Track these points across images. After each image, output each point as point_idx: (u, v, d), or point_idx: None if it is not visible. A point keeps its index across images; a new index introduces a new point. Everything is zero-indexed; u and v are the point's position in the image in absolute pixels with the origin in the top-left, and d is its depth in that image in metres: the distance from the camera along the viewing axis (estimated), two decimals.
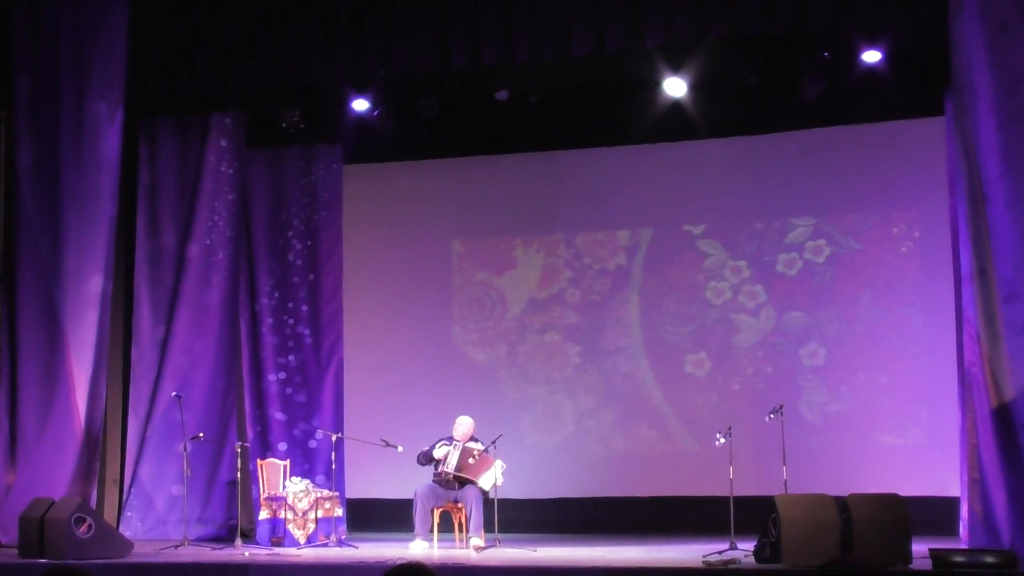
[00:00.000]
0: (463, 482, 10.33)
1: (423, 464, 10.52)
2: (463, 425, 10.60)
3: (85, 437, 10.77)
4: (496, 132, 12.45)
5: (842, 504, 8.67)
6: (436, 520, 10.35)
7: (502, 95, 11.63)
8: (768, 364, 11.99)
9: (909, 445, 11.49)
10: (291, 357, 11.90)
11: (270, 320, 11.93)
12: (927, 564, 8.25)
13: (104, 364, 10.97)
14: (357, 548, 10.09)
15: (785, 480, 9.74)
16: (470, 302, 12.85)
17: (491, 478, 10.22)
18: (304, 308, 11.97)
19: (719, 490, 10.05)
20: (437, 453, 10.41)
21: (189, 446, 10.64)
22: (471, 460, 10.30)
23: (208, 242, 11.55)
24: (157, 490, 11.32)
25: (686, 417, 12.11)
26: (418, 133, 12.24)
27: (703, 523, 10.91)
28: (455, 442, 10.49)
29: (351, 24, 10.75)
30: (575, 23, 10.25)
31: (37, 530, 9.47)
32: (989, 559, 8.11)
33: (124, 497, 11.42)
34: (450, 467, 10.31)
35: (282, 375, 11.88)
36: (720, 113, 11.76)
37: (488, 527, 10.20)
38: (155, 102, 11.61)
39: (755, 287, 12.11)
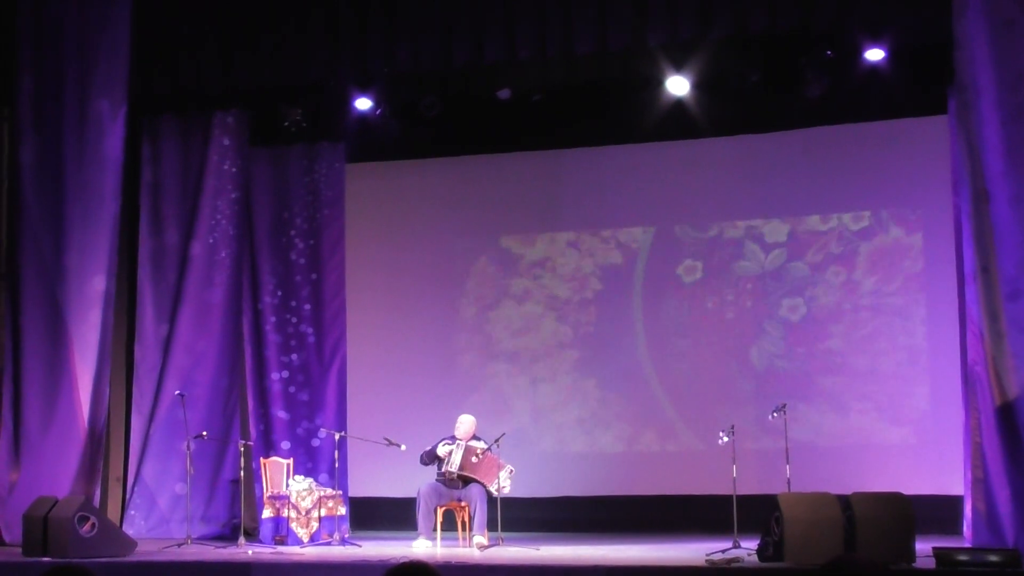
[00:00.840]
0: (467, 481, 10.33)
1: (426, 464, 10.52)
2: (465, 424, 10.59)
3: (88, 436, 10.78)
4: (499, 131, 12.44)
5: (845, 502, 8.67)
6: (439, 519, 10.35)
7: (504, 94, 11.62)
8: (771, 362, 11.98)
9: (912, 444, 11.49)
10: (294, 356, 11.90)
11: (273, 319, 11.93)
12: (931, 563, 8.24)
13: (107, 362, 10.97)
14: (360, 547, 10.09)
15: (788, 479, 9.74)
16: (473, 300, 12.84)
17: (497, 482, 10.20)
18: (307, 307, 11.97)
19: (722, 489, 10.04)
20: (440, 452, 10.40)
21: (192, 444, 10.65)
22: (474, 459, 10.30)
23: (211, 240, 11.55)
24: (160, 489, 11.33)
25: (689, 416, 12.10)
26: (421, 132, 12.23)
27: (706, 522, 10.90)
28: (458, 441, 10.48)
29: (354, 22, 10.75)
30: (578, 21, 10.25)
31: (41, 529, 9.48)
32: (993, 558, 8.10)
33: (127, 496, 11.42)
34: (453, 466, 10.30)
35: (285, 374, 11.88)
36: (723, 111, 11.75)
37: (491, 526, 10.19)
38: (158, 101, 11.62)
39: (758, 286, 12.10)
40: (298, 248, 12.02)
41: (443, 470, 10.38)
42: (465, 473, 10.28)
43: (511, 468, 10.28)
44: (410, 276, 12.94)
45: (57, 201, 10.99)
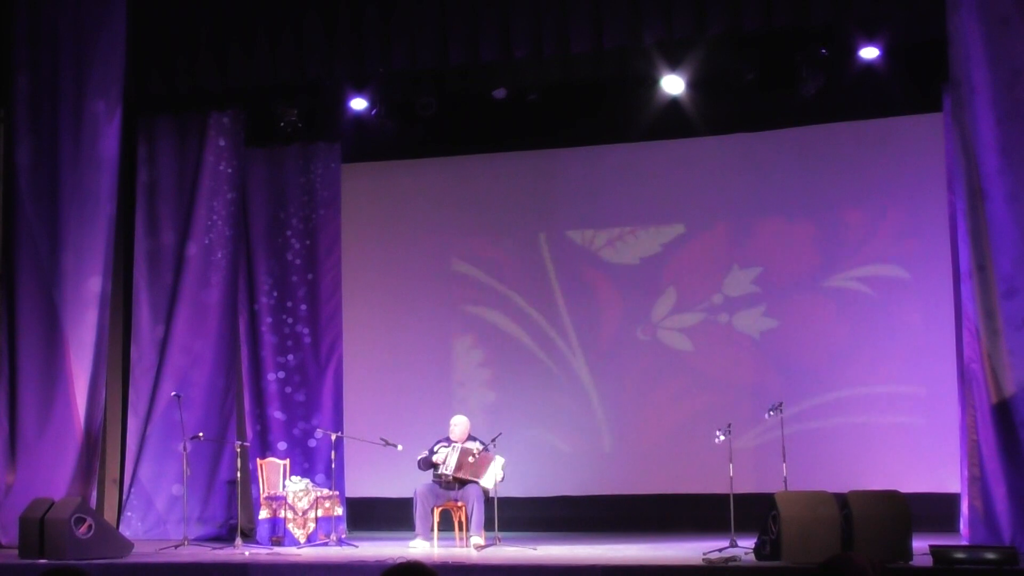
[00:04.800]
0: (463, 482, 10.31)
1: (424, 470, 10.50)
2: (459, 426, 10.57)
3: (85, 437, 10.77)
4: (494, 130, 12.45)
5: (842, 501, 8.66)
6: (436, 519, 10.34)
7: (500, 93, 11.63)
8: (768, 361, 11.98)
9: (909, 441, 11.48)
10: (290, 356, 11.90)
11: (269, 319, 11.92)
12: (928, 561, 8.24)
13: (104, 363, 10.96)
14: (357, 547, 10.09)
15: (785, 477, 9.74)
16: (469, 300, 12.84)
17: (492, 476, 10.21)
18: (303, 307, 11.96)
19: (719, 487, 10.05)
20: (436, 457, 10.37)
21: (189, 445, 10.65)
22: (471, 459, 10.29)
23: (207, 241, 11.55)
24: (157, 490, 11.32)
25: (686, 414, 12.09)
26: (417, 131, 12.23)
27: (703, 520, 10.91)
28: (453, 443, 10.46)
29: (350, 22, 10.75)
30: (574, 20, 10.26)
31: (37, 530, 9.47)
32: (990, 555, 8.10)
33: (124, 497, 11.41)
34: (449, 469, 10.27)
35: (281, 374, 11.87)
36: (718, 110, 11.77)
37: (488, 525, 10.19)
38: (154, 101, 11.62)
39: (754, 284, 12.10)
40: (294, 248, 12.01)
41: (439, 473, 10.35)
42: (462, 475, 10.27)
43: (502, 459, 10.27)
44: (406, 276, 12.93)
45: (53, 202, 10.98)
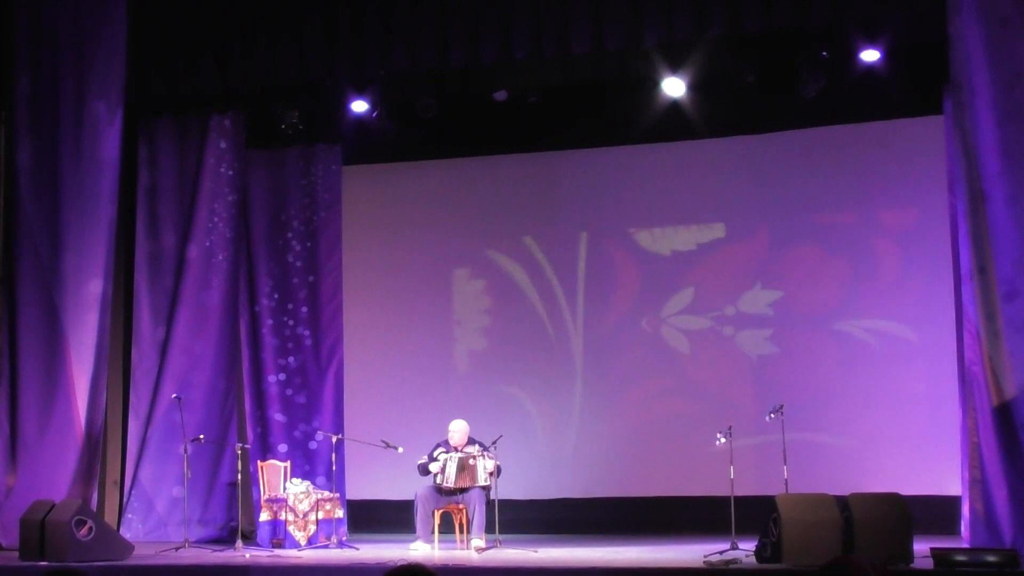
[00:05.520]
0: (464, 489, 10.29)
1: (423, 475, 10.47)
2: (458, 432, 10.51)
3: (85, 439, 10.77)
4: (495, 132, 12.45)
5: (843, 503, 8.66)
6: (437, 521, 10.34)
7: (501, 95, 11.63)
8: (768, 363, 11.97)
9: (910, 444, 11.47)
10: (291, 358, 11.89)
11: (270, 321, 11.91)
12: (928, 563, 8.24)
13: (104, 366, 10.97)
14: (358, 549, 10.09)
15: (786, 480, 9.73)
16: (470, 302, 12.84)
17: (483, 471, 10.15)
18: (304, 309, 11.96)
19: (720, 490, 10.04)
20: (433, 467, 10.33)
21: (189, 448, 10.64)
22: (471, 462, 10.26)
23: (208, 243, 11.55)
24: (158, 492, 11.32)
25: (686, 416, 12.09)
26: (417, 133, 12.23)
27: (704, 523, 10.91)
28: (451, 450, 10.39)
29: (350, 24, 10.75)
30: (574, 22, 10.26)
31: (38, 532, 9.47)
32: (991, 558, 8.11)
33: (125, 499, 11.41)
34: (449, 482, 10.22)
35: (282, 376, 11.87)
36: (719, 112, 11.76)
37: (489, 528, 10.18)
38: (155, 103, 11.62)
39: (755, 286, 12.10)
40: (295, 250, 12.01)
41: (439, 484, 10.31)
42: (462, 484, 10.24)
43: (497, 463, 10.24)
44: (407, 278, 12.93)
45: (54, 204, 10.99)
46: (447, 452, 10.40)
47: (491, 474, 10.21)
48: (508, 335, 12.71)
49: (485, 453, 10.26)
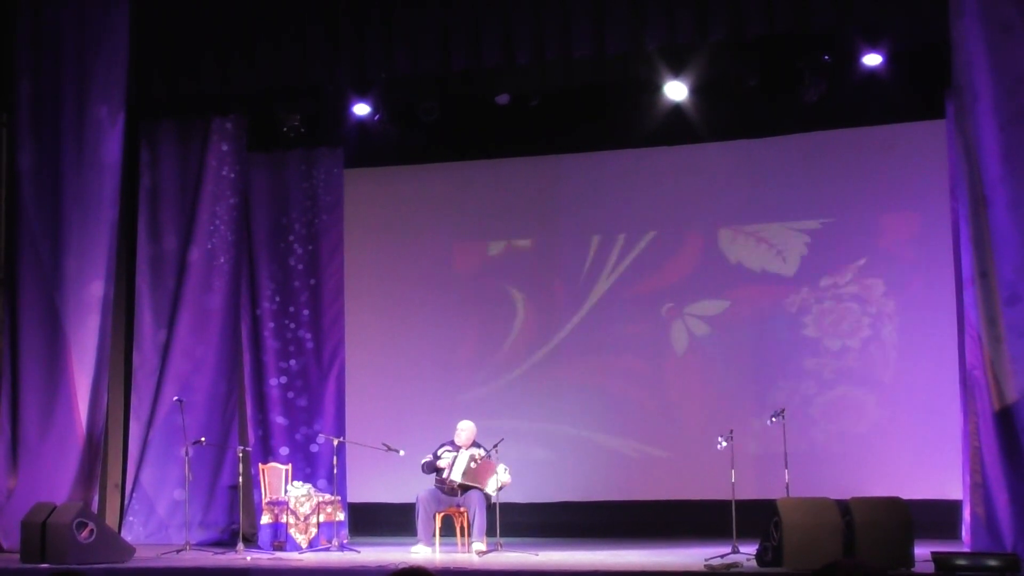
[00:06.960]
0: (466, 488, 10.30)
1: (427, 473, 10.49)
2: (466, 431, 10.55)
3: (87, 442, 10.77)
4: (497, 135, 12.46)
5: (844, 507, 8.66)
6: (438, 524, 10.34)
7: (503, 99, 11.63)
8: (770, 367, 11.97)
9: (911, 448, 11.47)
10: (292, 361, 11.89)
11: (271, 324, 11.92)
12: (929, 567, 8.24)
13: (106, 368, 10.97)
14: (359, 552, 10.09)
15: (787, 483, 9.73)
16: (471, 305, 12.84)
17: (495, 482, 10.19)
18: (305, 312, 11.96)
19: (721, 494, 10.04)
20: (442, 462, 10.36)
21: (191, 450, 10.64)
22: (472, 464, 10.28)
23: (209, 246, 11.55)
24: (159, 494, 11.32)
25: (688, 420, 12.09)
26: (419, 137, 12.24)
27: (705, 527, 10.90)
28: (458, 448, 10.43)
29: (352, 27, 10.75)
30: (576, 25, 10.26)
31: (39, 535, 9.47)
32: (992, 562, 8.11)
33: (126, 502, 11.41)
34: (456, 476, 10.26)
35: (283, 379, 11.87)
36: (720, 116, 11.77)
37: (490, 531, 10.19)
38: (156, 106, 11.62)
39: (757, 290, 12.10)
40: (297, 253, 12.01)
41: (444, 478, 10.33)
42: (466, 482, 10.26)
43: (505, 466, 10.26)
44: (409, 281, 12.94)
45: (55, 207, 10.99)
46: (452, 451, 10.40)
47: (499, 488, 10.21)
48: (509, 338, 12.71)
49: (492, 458, 10.26)
